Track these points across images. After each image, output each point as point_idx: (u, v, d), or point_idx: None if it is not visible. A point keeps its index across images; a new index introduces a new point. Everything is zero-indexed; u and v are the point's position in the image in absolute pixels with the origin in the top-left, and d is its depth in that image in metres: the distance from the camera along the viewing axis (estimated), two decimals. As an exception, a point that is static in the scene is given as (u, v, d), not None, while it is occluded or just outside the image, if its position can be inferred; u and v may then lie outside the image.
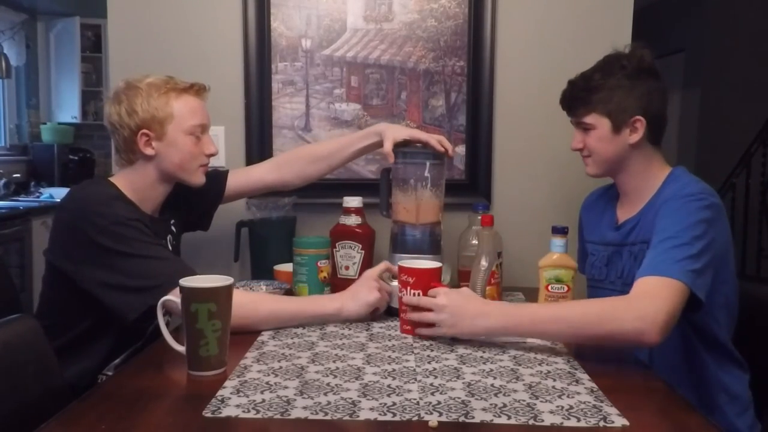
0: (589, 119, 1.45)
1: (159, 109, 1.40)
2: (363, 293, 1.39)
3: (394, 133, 1.58)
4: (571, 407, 0.97)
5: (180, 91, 1.43)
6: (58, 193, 4.23)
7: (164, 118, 1.40)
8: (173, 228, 1.59)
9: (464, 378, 1.09)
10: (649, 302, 1.17)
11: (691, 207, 1.31)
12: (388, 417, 0.93)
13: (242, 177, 1.70)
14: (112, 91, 1.44)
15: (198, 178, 1.50)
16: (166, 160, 1.43)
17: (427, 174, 1.53)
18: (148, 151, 1.41)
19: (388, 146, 1.56)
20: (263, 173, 1.71)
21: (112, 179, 1.46)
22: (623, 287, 1.45)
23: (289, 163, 1.71)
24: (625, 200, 1.54)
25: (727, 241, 1.39)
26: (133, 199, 1.43)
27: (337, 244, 1.69)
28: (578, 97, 1.47)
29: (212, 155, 1.51)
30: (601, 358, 1.28)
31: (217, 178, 1.67)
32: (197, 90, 1.47)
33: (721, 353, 1.41)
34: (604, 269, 1.54)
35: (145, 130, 1.40)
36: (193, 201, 1.62)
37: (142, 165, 1.44)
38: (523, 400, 1.00)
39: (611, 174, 1.52)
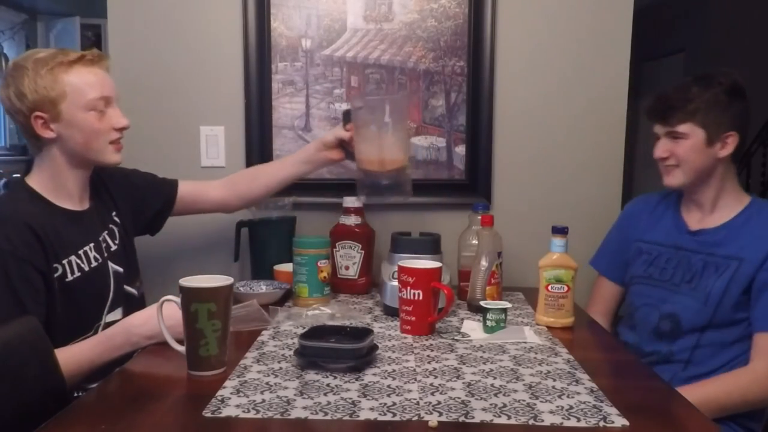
0: (684, 128, 1.47)
1: (48, 87, 1.28)
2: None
3: (330, 131, 1.60)
4: (571, 407, 0.97)
5: (69, 64, 1.30)
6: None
7: (56, 97, 1.29)
8: (116, 219, 1.50)
9: (464, 378, 1.09)
10: None
11: None
12: (388, 417, 0.93)
13: (192, 188, 1.65)
14: (4, 73, 1.33)
15: (111, 157, 1.39)
16: (70, 142, 1.33)
17: (387, 119, 1.47)
18: (48, 135, 1.31)
19: (345, 133, 1.55)
20: (210, 189, 1.66)
21: (28, 178, 1.37)
22: (691, 292, 1.49)
23: (235, 183, 1.67)
24: (694, 208, 1.57)
25: None
26: (48, 192, 1.35)
27: (337, 244, 1.69)
28: (675, 107, 1.49)
29: (123, 128, 1.39)
30: (601, 358, 1.28)
31: (168, 183, 1.62)
32: (91, 59, 1.34)
33: None
34: (669, 270, 1.55)
35: (38, 113, 1.29)
36: (143, 200, 1.57)
37: (48, 150, 1.34)
38: (523, 400, 1.00)
39: (694, 185, 1.53)
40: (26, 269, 1.23)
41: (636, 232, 1.67)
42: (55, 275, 1.28)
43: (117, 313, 1.41)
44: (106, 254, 1.42)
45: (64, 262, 1.30)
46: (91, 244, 1.38)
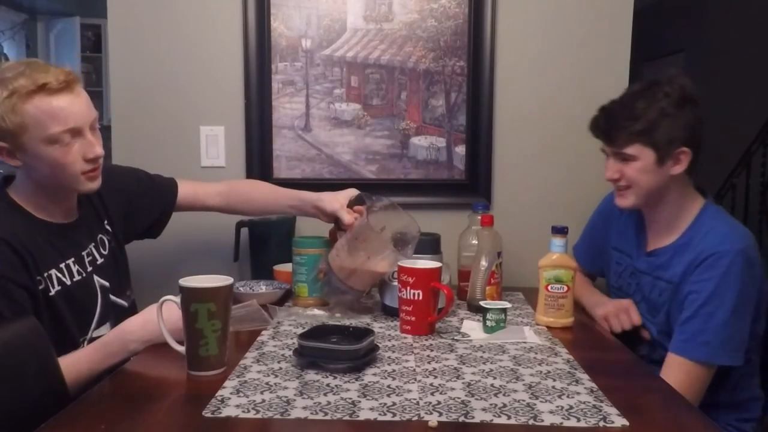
0: (632, 150, 1.36)
1: (7, 119, 1.18)
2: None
3: (332, 201, 1.49)
4: (571, 407, 0.97)
5: (28, 95, 1.19)
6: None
7: (15, 130, 1.19)
8: (108, 227, 1.46)
9: (464, 378, 1.09)
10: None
11: (733, 276, 1.29)
12: (388, 417, 0.93)
13: (191, 193, 1.63)
14: None
15: (84, 186, 1.30)
16: (37, 173, 1.26)
17: (377, 258, 1.42)
18: (14, 163, 1.25)
19: (346, 217, 1.46)
20: (209, 197, 1.64)
21: (10, 188, 1.31)
22: (647, 313, 1.46)
23: (232, 195, 1.65)
24: (654, 226, 1.48)
25: (761, 288, 1.35)
26: (29, 206, 1.29)
27: (337, 244, 1.69)
28: (619, 126, 1.37)
29: (96, 158, 1.28)
30: (601, 358, 1.28)
31: (166, 189, 1.60)
32: (54, 89, 1.21)
33: (744, 373, 1.39)
34: (632, 285, 1.52)
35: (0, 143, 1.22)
36: (137, 206, 1.53)
37: (21, 173, 1.29)
38: (523, 400, 1.00)
39: (648, 205, 1.44)
40: (6, 285, 1.18)
41: (609, 233, 1.62)
42: (40, 287, 1.24)
43: (105, 328, 1.37)
44: (90, 268, 1.37)
45: (45, 275, 1.26)
46: (72, 258, 1.33)
